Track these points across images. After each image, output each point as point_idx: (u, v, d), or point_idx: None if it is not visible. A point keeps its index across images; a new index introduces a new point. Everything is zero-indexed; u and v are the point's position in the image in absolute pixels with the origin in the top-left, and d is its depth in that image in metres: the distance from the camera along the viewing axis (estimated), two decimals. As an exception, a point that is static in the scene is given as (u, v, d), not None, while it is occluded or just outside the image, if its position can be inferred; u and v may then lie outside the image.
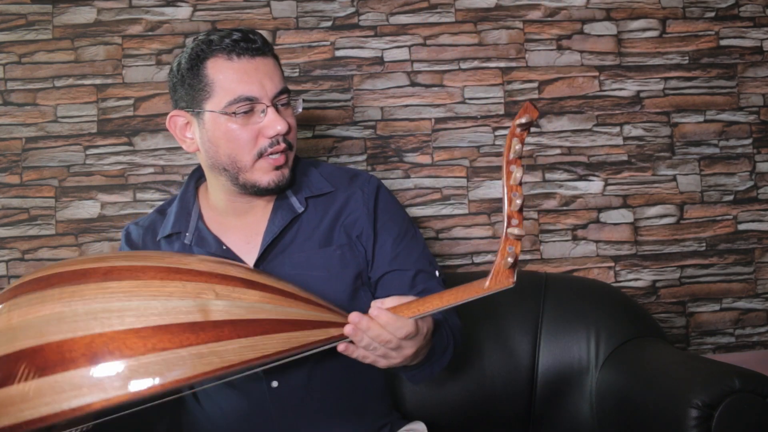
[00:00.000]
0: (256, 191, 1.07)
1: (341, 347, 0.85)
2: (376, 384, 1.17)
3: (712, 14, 1.69)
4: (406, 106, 1.63)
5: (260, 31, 1.08)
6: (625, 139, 1.66)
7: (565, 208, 1.65)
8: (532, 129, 1.62)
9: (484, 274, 0.83)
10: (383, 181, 1.21)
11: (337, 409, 1.10)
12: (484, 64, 1.65)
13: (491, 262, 1.60)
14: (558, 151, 1.65)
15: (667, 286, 1.66)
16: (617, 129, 1.66)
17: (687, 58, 1.68)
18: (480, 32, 1.65)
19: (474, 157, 1.64)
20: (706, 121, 1.68)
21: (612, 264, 1.65)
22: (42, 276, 0.75)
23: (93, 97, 1.58)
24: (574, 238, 1.64)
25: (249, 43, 1.02)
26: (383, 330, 0.83)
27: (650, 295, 1.66)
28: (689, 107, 1.68)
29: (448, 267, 1.62)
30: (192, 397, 1.14)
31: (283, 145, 1.04)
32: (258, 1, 1.62)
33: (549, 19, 1.66)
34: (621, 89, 1.67)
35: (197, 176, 1.19)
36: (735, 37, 1.70)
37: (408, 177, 1.63)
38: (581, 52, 1.67)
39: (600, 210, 1.65)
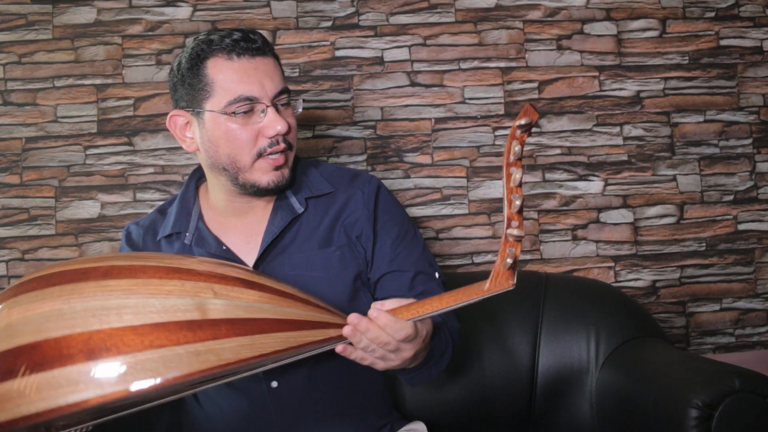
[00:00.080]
0: (256, 191, 1.06)
1: (339, 348, 0.85)
2: (376, 384, 1.16)
3: (712, 14, 1.69)
4: (406, 106, 1.63)
5: (260, 31, 1.08)
6: (625, 139, 1.66)
7: (565, 208, 1.65)
8: (533, 129, 1.62)
9: (484, 275, 0.82)
10: (383, 182, 1.21)
11: (336, 409, 1.09)
12: (484, 64, 1.65)
13: (491, 262, 1.61)
14: (558, 151, 1.65)
15: (667, 286, 1.66)
16: (617, 129, 1.66)
17: (687, 58, 1.68)
18: (480, 32, 1.65)
19: (474, 157, 1.64)
20: (706, 121, 1.68)
21: (612, 264, 1.65)
22: (42, 275, 0.75)
23: (93, 97, 1.58)
24: (574, 238, 1.64)
25: (249, 43, 1.02)
26: (382, 332, 0.82)
27: (650, 295, 1.65)
28: (689, 107, 1.68)
29: (448, 267, 1.62)
30: (192, 397, 1.14)
31: (282, 145, 1.04)
32: (258, 1, 1.62)
33: (549, 19, 1.66)
34: (621, 89, 1.67)
35: (197, 176, 1.19)
36: (735, 37, 1.70)
37: (408, 177, 1.63)
38: (581, 52, 1.67)
39: (600, 210, 1.65)
